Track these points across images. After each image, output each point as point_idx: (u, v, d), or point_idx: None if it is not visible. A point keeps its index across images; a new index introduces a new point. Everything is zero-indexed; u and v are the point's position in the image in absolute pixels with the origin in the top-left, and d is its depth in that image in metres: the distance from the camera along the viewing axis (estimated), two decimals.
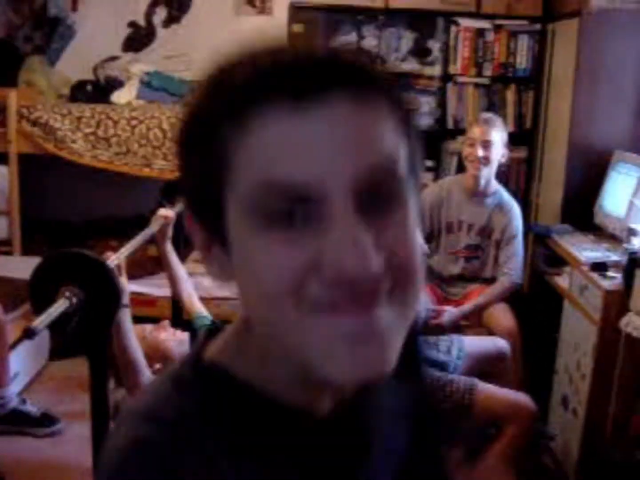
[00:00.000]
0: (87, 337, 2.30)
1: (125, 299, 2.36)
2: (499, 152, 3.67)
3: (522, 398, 2.79)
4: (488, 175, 3.69)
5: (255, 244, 0.65)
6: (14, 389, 3.63)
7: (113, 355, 2.57)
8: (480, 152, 3.63)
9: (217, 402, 0.71)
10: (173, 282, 3.05)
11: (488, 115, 3.84)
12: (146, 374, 2.47)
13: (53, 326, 1.97)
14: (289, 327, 0.65)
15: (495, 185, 3.78)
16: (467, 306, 3.63)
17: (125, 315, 2.38)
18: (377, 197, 0.65)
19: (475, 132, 3.67)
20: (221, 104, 0.66)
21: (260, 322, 0.69)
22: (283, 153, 0.63)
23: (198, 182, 0.69)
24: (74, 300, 2.07)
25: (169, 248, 3.03)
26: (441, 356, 2.95)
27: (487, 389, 2.76)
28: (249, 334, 0.73)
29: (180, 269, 3.06)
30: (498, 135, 3.65)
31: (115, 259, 2.45)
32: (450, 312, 3.56)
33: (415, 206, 0.71)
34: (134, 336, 2.45)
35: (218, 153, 0.66)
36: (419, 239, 0.70)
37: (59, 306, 2.02)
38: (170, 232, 3.02)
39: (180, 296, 3.01)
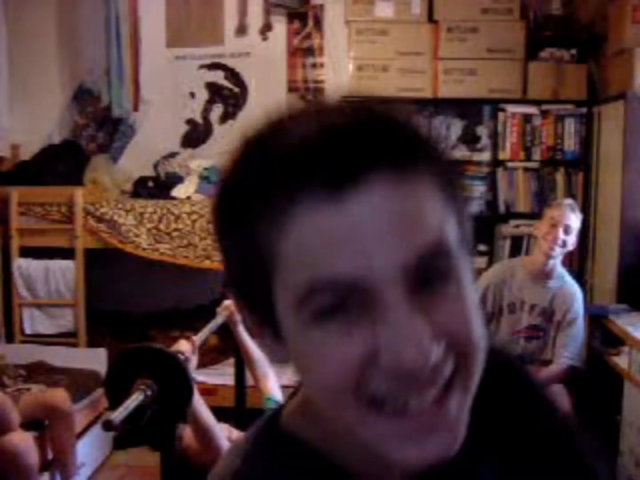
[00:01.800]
0: (160, 429, 2.38)
1: (193, 372, 2.46)
2: (574, 239, 3.72)
3: None
4: (558, 257, 3.73)
5: (310, 338, 0.62)
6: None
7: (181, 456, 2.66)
8: (561, 235, 3.67)
9: (294, 471, 0.71)
10: (249, 363, 3.18)
11: (571, 200, 3.89)
12: (224, 441, 2.55)
13: (129, 418, 2.05)
14: (352, 422, 0.63)
15: (559, 269, 3.81)
16: None
17: (197, 396, 2.46)
18: (429, 275, 0.61)
19: (558, 214, 3.71)
20: (257, 196, 0.62)
21: (323, 411, 0.67)
22: (325, 248, 0.60)
23: (242, 272, 0.66)
24: (149, 393, 2.16)
25: (242, 331, 3.16)
26: None
27: None
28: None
29: (255, 350, 3.18)
30: (577, 223, 3.72)
31: (188, 348, 2.56)
32: None
33: (471, 279, 0.66)
34: (206, 408, 2.52)
35: (260, 246, 0.63)
36: (478, 312, 0.65)
37: (134, 399, 2.11)
38: (238, 317, 3.15)
39: (256, 375, 3.15)
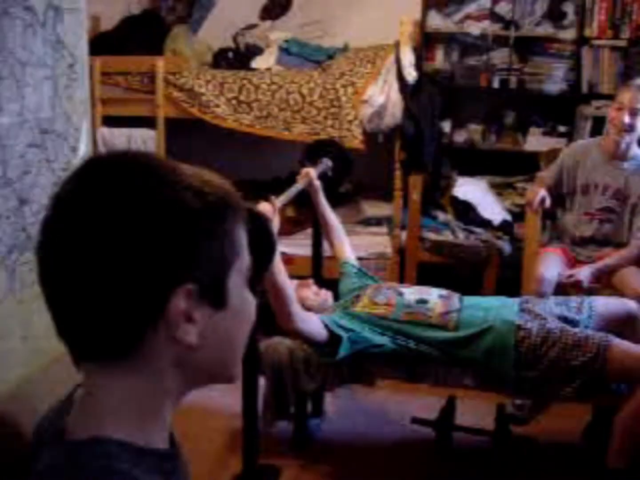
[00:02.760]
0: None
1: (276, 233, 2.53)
2: None
3: None
4: (630, 141, 3.67)
5: (247, 295, 0.97)
6: None
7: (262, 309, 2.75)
8: (627, 119, 3.60)
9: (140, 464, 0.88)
10: (327, 230, 3.32)
11: (637, 81, 3.78)
12: (296, 306, 2.65)
13: None
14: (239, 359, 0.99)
15: (635, 150, 3.75)
16: (599, 264, 3.63)
17: (277, 256, 2.54)
18: None
19: (625, 97, 3.63)
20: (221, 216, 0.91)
21: (225, 361, 0.97)
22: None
23: (214, 266, 0.89)
24: None
25: (322, 197, 3.24)
26: (571, 314, 2.99)
27: (623, 345, 2.77)
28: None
29: (333, 218, 3.30)
30: None
31: (269, 209, 2.62)
32: (583, 271, 3.58)
33: None
34: (284, 270, 2.61)
35: (230, 248, 0.91)
36: None
37: None
38: (319, 185, 3.21)
39: (333, 242, 3.31)
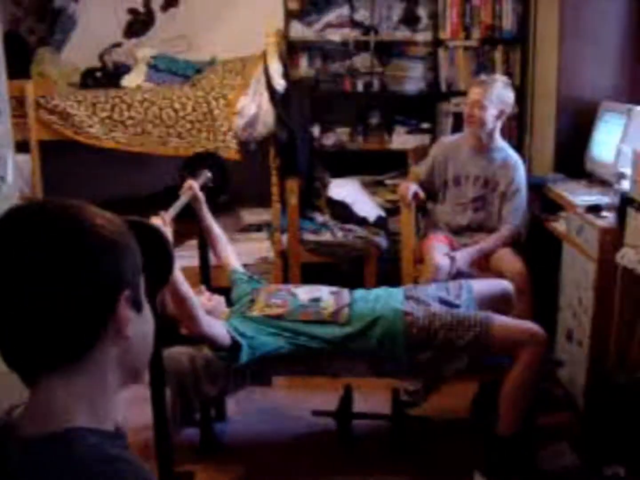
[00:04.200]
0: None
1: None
2: (492, 112, 3.89)
3: (534, 325, 3.05)
4: (488, 132, 3.93)
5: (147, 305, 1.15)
6: None
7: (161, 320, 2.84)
8: (473, 112, 3.87)
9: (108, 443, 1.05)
10: (212, 241, 3.42)
11: (487, 77, 4.05)
12: (202, 311, 2.78)
13: None
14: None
15: (500, 141, 4.02)
16: (474, 248, 3.89)
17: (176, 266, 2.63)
18: None
19: (472, 93, 3.91)
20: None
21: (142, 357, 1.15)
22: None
23: (134, 276, 1.10)
24: None
25: (205, 209, 3.34)
26: (452, 298, 3.21)
27: (502, 320, 3.02)
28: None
29: (216, 228, 3.40)
30: (493, 96, 3.88)
31: (160, 222, 2.70)
32: (462, 256, 3.82)
33: None
34: (184, 279, 2.72)
35: (140, 263, 1.13)
36: None
37: None
38: (202, 196, 3.30)
39: (219, 252, 3.42)
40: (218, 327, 2.85)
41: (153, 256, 2.49)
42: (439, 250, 3.86)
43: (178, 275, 2.66)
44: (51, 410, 1.04)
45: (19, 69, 4.71)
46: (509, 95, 3.94)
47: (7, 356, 1.04)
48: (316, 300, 3.11)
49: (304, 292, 3.19)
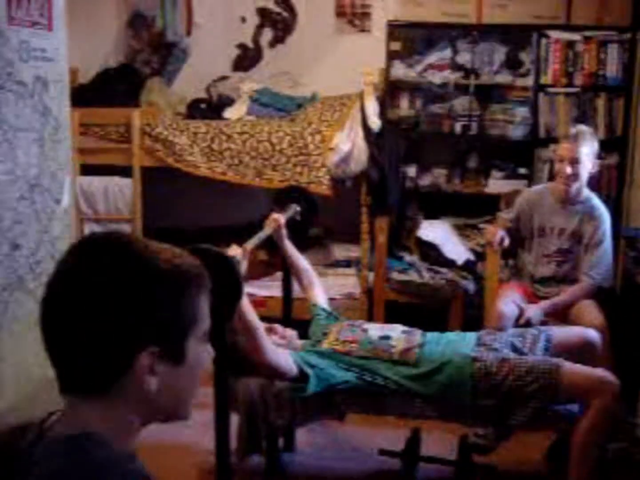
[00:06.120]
0: (212, 327, 2.62)
1: (243, 275, 2.69)
2: (587, 166, 3.81)
3: (605, 373, 2.94)
4: (578, 187, 3.86)
5: (202, 352, 1.20)
6: None
7: (229, 350, 2.91)
8: (569, 170, 3.79)
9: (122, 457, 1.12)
10: (297, 273, 3.48)
11: (576, 130, 3.93)
12: (267, 340, 2.83)
13: None
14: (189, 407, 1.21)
15: (586, 193, 3.93)
16: (548, 302, 3.81)
17: (244, 296, 2.70)
18: None
19: (564, 149, 3.84)
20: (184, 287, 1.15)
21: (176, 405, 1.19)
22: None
23: (174, 333, 1.13)
24: None
25: (288, 243, 3.41)
26: (525, 348, 3.15)
27: (573, 366, 2.94)
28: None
29: (301, 261, 3.46)
30: (587, 150, 3.79)
31: (239, 252, 2.78)
32: (534, 310, 3.75)
33: None
34: (252, 309, 2.78)
35: (192, 317, 1.15)
36: None
37: None
38: (285, 231, 3.38)
39: (303, 284, 3.47)
40: (283, 358, 2.89)
41: (222, 284, 2.58)
42: (509, 299, 3.80)
43: (246, 305, 2.73)
44: (75, 418, 1.12)
45: (130, 97, 4.98)
46: (596, 146, 3.86)
47: (53, 362, 1.13)
48: (386, 338, 3.12)
49: (376, 329, 3.21)
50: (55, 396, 1.17)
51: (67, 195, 2.72)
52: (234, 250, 2.81)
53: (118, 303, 1.07)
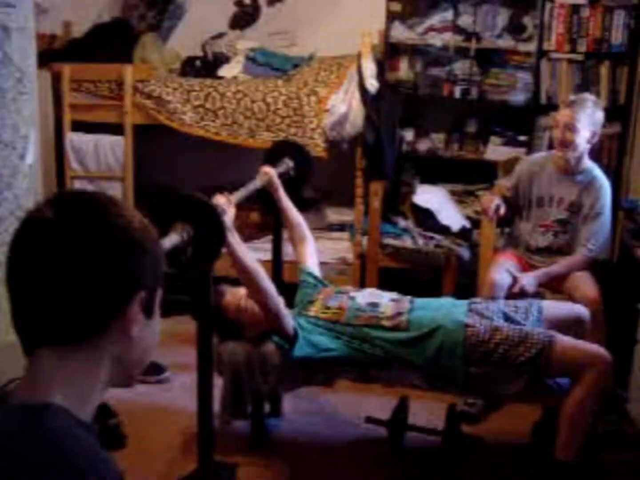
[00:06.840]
0: (197, 280, 2.58)
1: (229, 223, 2.62)
2: (584, 135, 3.69)
3: (598, 348, 2.91)
4: (576, 155, 3.75)
5: (158, 317, 1.18)
6: None
7: (216, 313, 2.86)
8: (565, 136, 3.70)
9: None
10: (290, 227, 3.42)
11: (576, 96, 3.84)
12: (269, 282, 2.80)
13: (169, 257, 2.16)
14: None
15: (587, 163, 3.83)
16: (543, 271, 3.75)
17: (234, 237, 2.64)
18: None
19: (561, 115, 3.74)
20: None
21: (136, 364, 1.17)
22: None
23: (152, 281, 1.12)
24: (185, 235, 2.33)
25: (283, 195, 3.35)
26: (518, 317, 3.10)
27: (566, 340, 2.89)
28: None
29: (296, 215, 3.39)
30: (585, 118, 3.67)
31: (223, 200, 2.71)
32: (527, 279, 3.69)
33: None
34: (246, 250, 2.72)
35: (161, 271, 1.15)
36: None
37: (171, 239, 2.27)
38: (279, 183, 3.29)
39: (295, 241, 3.41)
40: (285, 309, 2.88)
41: (206, 230, 2.51)
42: (503, 267, 3.73)
43: (241, 250, 2.67)
44: (36, 384, 1.07)
45: (124, 53, 4.87)
46: (600, 116, 3.74)
47: (17, 319, 1.09)
48: (374, 305, 3.06)
49: (364, 296, 3.14)
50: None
51: (32, 150, 2.62)
52: (218, 199, 2.74)
53: (116, 245, 1.07)
